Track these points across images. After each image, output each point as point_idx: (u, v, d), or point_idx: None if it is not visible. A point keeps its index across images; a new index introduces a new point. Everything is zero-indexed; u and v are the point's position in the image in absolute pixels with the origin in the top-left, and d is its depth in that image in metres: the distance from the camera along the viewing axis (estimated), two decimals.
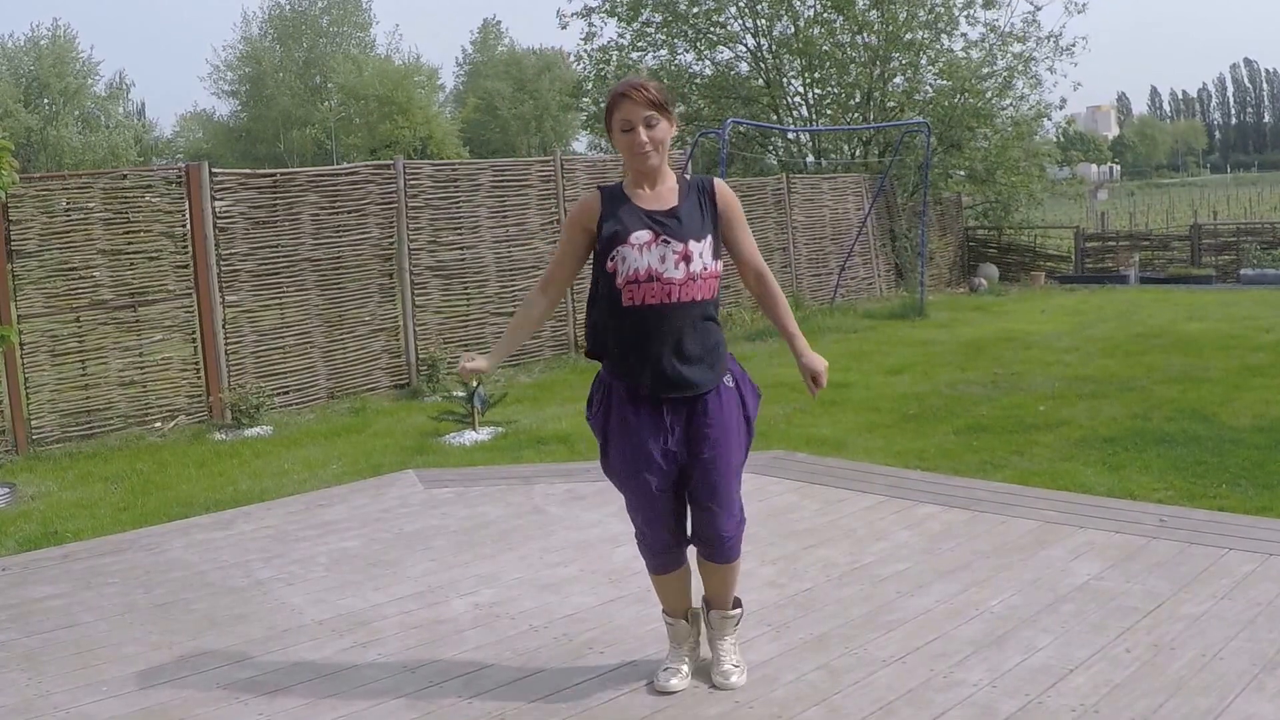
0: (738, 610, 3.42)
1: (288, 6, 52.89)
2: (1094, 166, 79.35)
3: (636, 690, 3.34)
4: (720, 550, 3.26)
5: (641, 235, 3.06)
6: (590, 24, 20.69)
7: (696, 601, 3.50)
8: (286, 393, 8.95)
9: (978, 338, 11.23)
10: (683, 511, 3.29)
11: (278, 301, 9.03)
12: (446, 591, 4.32)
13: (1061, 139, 25.12)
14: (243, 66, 52.88)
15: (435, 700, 3.33)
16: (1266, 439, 6.25)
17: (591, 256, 3.20)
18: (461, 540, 5.01)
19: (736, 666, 3.36)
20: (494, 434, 7.56)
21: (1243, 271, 15.87)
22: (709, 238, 3.11)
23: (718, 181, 3.22)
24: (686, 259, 3.06)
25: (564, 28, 21.35)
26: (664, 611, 3.46)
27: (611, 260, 3.08)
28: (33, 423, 7.77)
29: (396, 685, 3.45)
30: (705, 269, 3.09)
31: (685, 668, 3.38)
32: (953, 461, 6.19)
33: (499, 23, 71.95)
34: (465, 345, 10.21)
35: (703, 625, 3.49)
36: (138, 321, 8.27)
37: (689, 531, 3.31)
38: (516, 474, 6.26)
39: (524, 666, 3.56)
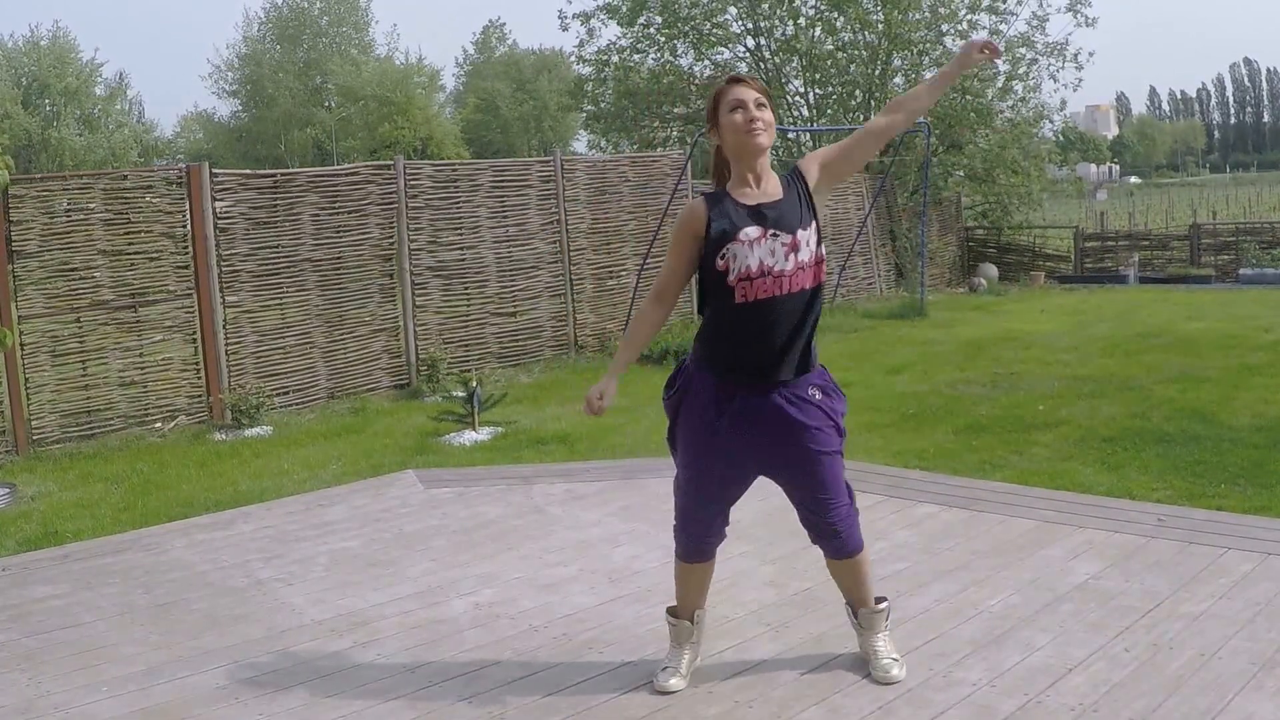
0: (884, 604, 3.41)
1: (286, 7, 52.89)
2: (1093, 166, 79.41)
3: (636, 690, 3.35)
4: (840, 542, 3.27)
5: (751, 231, 3.07)
6: (589, 27, 20.74)
7: (709, 601, 3.52)
8: (286, 393, 8.95)
9: (977, 337, 11.24)
10: (728, 508, 3.33)
11: (278, 302, 9.03)
12: (446, 591, 4.32)
13: (1061, 139, 25.12)
14: (243, 67, 52.88)
15: (435, 700, 3.33)
16: (1265, 438, 6.26)
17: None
18: (461, 540, 5.01)
19: (895, 659, 3.35)
20: (494, 434, 7.56)
21: (1242, 271, 15.87)
22: (813, 224, 3.12)
23: (800, 160, 3.23)
24: (795, 249, 3.07)
25: (565, 29, 21.24)
26: (670, 611, 3.47)
27: (722, 259, 3.07)
28: (33, 423, 7.77)
29: (396, 685, 3.46)
30: (812, 255, 3.10)
31: (684, 668, 3.39)
32: (952, 461, 6.19)
33: (502, 24, 72.06)
34: (465, 345, 10.22)
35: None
36: (138, 322, 8.27)
37: (808, 532, 3.34)
38: (516, 474, 6.27)
39: (524, 666, 3.56)
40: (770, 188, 3.15)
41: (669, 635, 3.48)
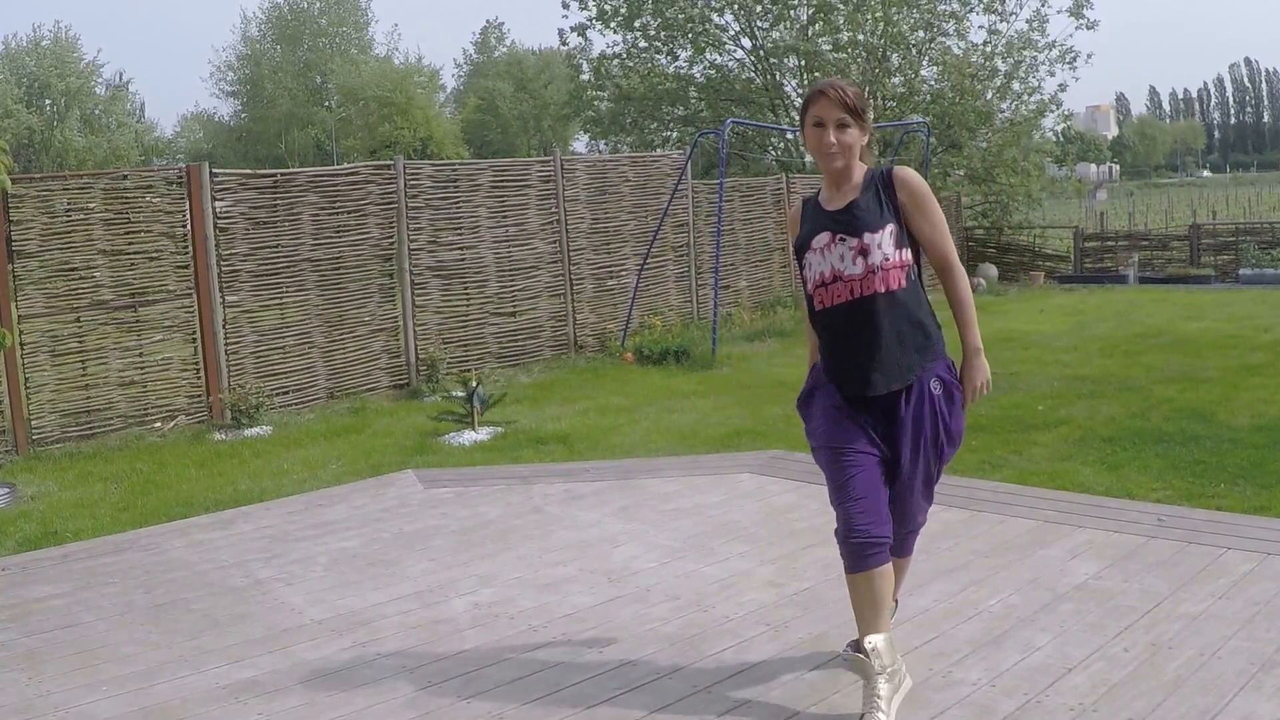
0: (892, 604, 3.37)
1: (286, 7, 52.91)
2: (1093, 166, 79.48)
3: (635, 690, 3.35)
4: (897, 546, 3.23)
5: (821, 238, 3.06)
6: (586, 39, 20.80)
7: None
8: (286, 393, 8.95)
9: None
10: (878, 488, 3.03)
11: (278, 301, 9.03)
12: (446, 591, 4.33)
13: (1060, 139, 25.13)
14: (243, 68, 52.91)
15: (435, 700, 3.33)
16: (1265, 438, 6.25)
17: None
18: (461, 540, 5.01)
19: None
20: (493, 434, 7.56)
21: (1241, 271, 15.87)
22: (889, 226, 3.00)
23: (897, 169, 3.09)
24: (863, 252, 3.00)
25: (564, 43, 21.09)
26: (852, 645, 3.15)
27: (803, 270, 3.11)
28: (33, 423, 7.77)
29: (396, 685, 3.46)
30: (887, 259, 2.99)
31: (886, 704, 2.96)
32: (951, 461, 6.18)
33: (501, 24, 72.14)
34: (465, 345, 10.22)
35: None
36: (138, 322, 8.27)
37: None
38: (515, 474, 6.27)
39: (523, 666, 3.56)
40: (849, 189, 3.08)
41: (861, 674, 3.08)
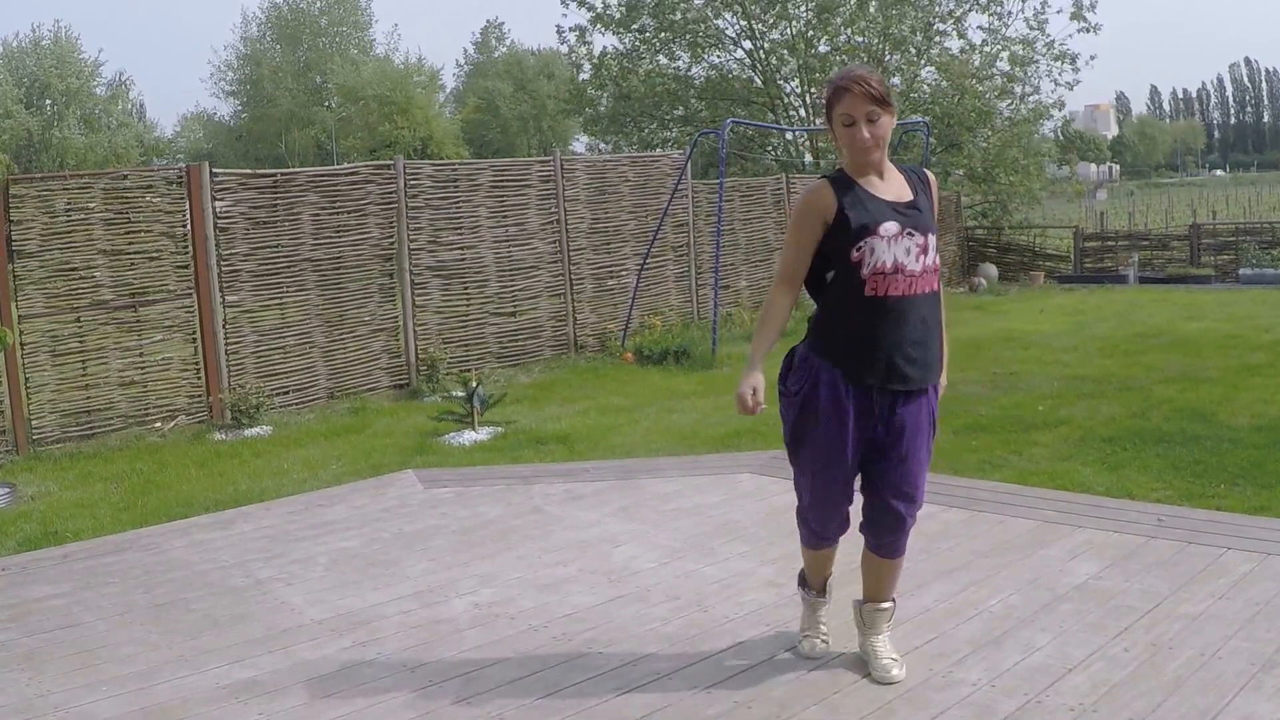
0: (889, 604, 3.43)
1: (286, 7, 52.91)
2: (1093, 166, 79.46)
3: (636, 690, 3.35)
4: (893, 545, 3.32)
5: (890, 227, 3.04)
6: (586, 39, 20.80)
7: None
8: (286, 393, 8.95)
9: (976, 337, 11.23)
10: (851, 498, 3.33)
11: (278, 301, 9.03)
12: (446, 591, 4.33)
13: (1061, 138, 25.13)
14: (243, 68, 52.92)
15: (435, 700, 3.34)
16: (1265, 438, 6.25)
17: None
18: (461, 540, 5.02)
19: (895, 659, 3.36)
20: (493, 434, 7.56)
21: (1241, 271, 15.87)
22: (934, 231, 3.14)
23: (930, 174, 3.25)
24: (925, 251, 3.07)
25: (563, 42, 21.08)
26: (803, 585, 3.59)
27: (858, 250, 3.03)
28: (33, 423, 7.77)
29: (396, 685, 3.46)
30: (934, 262, 3.11)
31: (825, 632, 3.55)
32: (951, 461, 6.18)
33: (501, 24, 72.28)
34: (465, 345, 10.22)
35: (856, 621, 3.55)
36: (138, 321, 8.27)
37: (865, 522, 3.36)
38: (516, 474, 6.27)
39: (523, 666, 3.56)
40: (896, 180, 3.13)
41: (805, 609, 3.60)
